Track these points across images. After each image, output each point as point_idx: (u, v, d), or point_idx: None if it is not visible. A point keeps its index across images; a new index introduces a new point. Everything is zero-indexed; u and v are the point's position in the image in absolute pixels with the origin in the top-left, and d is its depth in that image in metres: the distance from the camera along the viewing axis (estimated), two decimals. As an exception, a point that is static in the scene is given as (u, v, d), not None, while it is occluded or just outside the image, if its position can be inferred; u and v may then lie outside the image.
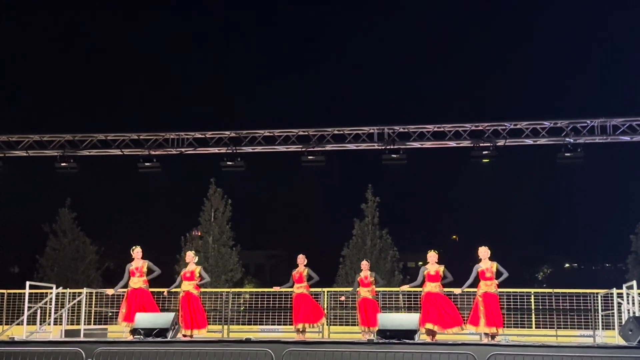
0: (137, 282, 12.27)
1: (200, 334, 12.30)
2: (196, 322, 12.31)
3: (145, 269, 12.30)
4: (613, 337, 13.62)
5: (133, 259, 12.38)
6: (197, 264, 12.93)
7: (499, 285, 11.86)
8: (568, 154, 16.99)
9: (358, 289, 13.29)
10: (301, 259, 13.41)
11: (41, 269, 23.73)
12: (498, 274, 11.84)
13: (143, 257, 12.44)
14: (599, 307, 14.91)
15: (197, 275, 12.60)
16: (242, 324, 17.85)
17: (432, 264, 12.11)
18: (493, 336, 11.60)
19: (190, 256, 12.87)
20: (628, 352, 8.88)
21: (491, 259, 11.88)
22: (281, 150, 18.22)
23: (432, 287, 11.93)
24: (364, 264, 13.48)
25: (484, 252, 11.92)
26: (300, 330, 13.18)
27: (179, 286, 12.79)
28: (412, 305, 16.38)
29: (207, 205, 23.43)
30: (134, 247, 12.47)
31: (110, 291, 13.12)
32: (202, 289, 13.86)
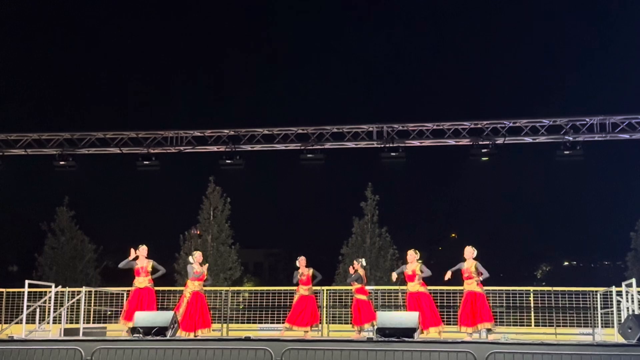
0: (143, 281, 12.29)
1: (205, 333, 12.29)
2: (205, 322, 12.32)
3: (150, 268, 12.34)
4: (612, 335, 13.62)
5: (137, 257, 12.37)
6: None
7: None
8: (567, 152, 17.00)
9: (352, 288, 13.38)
10: (303, 261, 13.42)
11: (40, 267, 23.68)
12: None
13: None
14: (598, 305, 14.91)
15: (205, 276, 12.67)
16: (242, 323, 17.85)
17: (412, 262, 12.23)
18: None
19: (200, 257, 12.84)
20: (627, 350, 8.87)
21: (477, 258, 12.04)
22: (280, 148, 18.22)
23: (410, 285, 12.11)
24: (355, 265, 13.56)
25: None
26: (307, 330, 13.24)
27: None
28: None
29: (206, 204, 23.38)
30: (139, 245, 12.46)
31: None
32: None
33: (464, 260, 12.02)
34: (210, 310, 13.15)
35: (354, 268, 13.33)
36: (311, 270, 13.36)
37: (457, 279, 12.31)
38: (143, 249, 12.44)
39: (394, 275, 12.58)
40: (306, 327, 13.24)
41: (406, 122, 17.79)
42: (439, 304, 15.28)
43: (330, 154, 18.15)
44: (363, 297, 13.19)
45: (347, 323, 16.58)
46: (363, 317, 12.97)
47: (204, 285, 12.73)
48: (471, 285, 11.80)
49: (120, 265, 12.43)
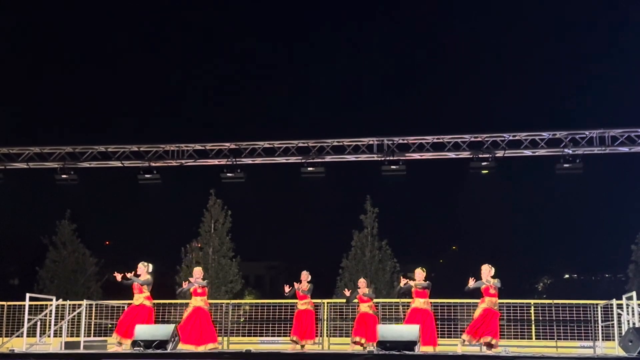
0: (139, 298, 12.27)
1: (207, 348, 12.26)
2: (204, 338, 12.26)
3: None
4: (613, 349, 13.62)
5: (139, 274, 12.38)
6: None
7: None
8: (567, 165, 17.04)
9: (358, 306, 13.41)
10: (305, 276, 13.51)
11: (41, 280, 23.67)
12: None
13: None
14: (599, 318, 14.91)
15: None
16: (242, 336, 17.84)
17: (420, 281, 12.30)
18: None
19: (200, 272, 12.86)
20: (628, 363, 8.89)
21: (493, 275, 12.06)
22: (281, 161, 18.29)
23: (420, 303, 12.13)
24: (362, 282, 13.61)
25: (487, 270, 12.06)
26: (303, 345, 13.25)
27: (187, 294, 12.81)
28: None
29: (207, 217, 23.42)
30: (143, 263, 12.45)
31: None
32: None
33: (479, 276, 12.01)
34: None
35: (366, 286, 13.45)
36: (309, 286, 13.46)
37: (461, 291, 12.33)
38: (140, 268, 12.42)
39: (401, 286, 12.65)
40: (302, 342, 13.28)
41: (406, 135, 17.84)
42: (439, 316, 15.30)
43: (331, 167, 18.20)
44: (371, 311, 13.27)
45: (348, 336, 16.60)
46: (369, 333, 12.92)
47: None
48: (496, 304, 11.88)
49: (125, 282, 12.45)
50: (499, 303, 15.50)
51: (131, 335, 11.49)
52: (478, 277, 11.99)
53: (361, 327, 13.11)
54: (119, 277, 12.33)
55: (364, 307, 13.27)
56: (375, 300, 13.85)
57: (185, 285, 12.84)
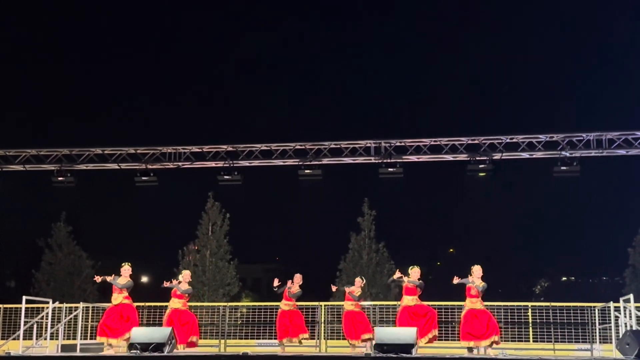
0: (117, 298, 12.40)
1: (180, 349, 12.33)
2: (182, 338, 12.34)
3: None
4: (610, 351, 13.61)
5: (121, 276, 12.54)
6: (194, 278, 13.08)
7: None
8: (564, 168, 17.07)
9: (344, 303, 13.45)
10: (298, 279, 13.53)
11: (37, 283, 23.61)
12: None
13: (134, 274, 12.64)
14: (597, 321, 14.91)
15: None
16: (240, 338, 17.82)
17: (413, 279, 12.34)
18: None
19: (188, 276, 13.00)
20: (625, 366, 8.88)
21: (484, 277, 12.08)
22: (278, 164, 18.30)
23: (408, 300, 12.19)
24: (357, 281, 13.62)
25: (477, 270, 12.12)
26: (300, 340, 13.27)
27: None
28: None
29: (205, 219, 23.38)
30: (123, 264, 12.62)
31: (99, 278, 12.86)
32: (200, 303, 13.90)
33: (467, 275, 12.03)
34: (200, 326, 13.19)
35: (360, 287, 13.47)
36: (298, 290, 13.49)
37: (458, 293, 12.35)
38: (124, 269, 12.56)
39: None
40: (297, 337, 13.30)
41: (404, 138, 17.87)
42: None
43: (328, 169, 18.22)
44: (356, 309, 13.26)
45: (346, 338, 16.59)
46: (358, 330, 12.98)
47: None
48: (476, 304, 11.85)
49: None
50: (496, 306, 15.58)
51: (118, 334, 11.67)
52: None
53: (350, 328, 13.08)
54: (98, 279, 12.79)
55: (348, 306, 13.29)
56: (372, 302, 13.84)
57: (167, 284, 12.98)
